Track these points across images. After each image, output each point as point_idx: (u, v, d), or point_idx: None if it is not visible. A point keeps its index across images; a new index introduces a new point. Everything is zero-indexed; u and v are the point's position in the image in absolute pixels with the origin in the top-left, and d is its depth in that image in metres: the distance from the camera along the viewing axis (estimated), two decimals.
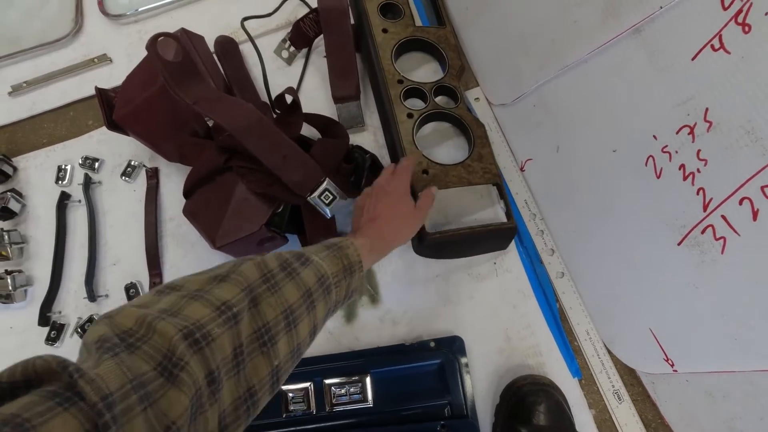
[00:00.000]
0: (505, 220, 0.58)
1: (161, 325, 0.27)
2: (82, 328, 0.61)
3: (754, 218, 0.35)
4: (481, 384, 0.55)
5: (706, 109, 0.37)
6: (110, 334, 0.26)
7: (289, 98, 0.60)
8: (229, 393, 0.29)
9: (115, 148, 0.69)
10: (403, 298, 0.59)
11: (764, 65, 0.32)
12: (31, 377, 0.22)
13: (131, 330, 0.27)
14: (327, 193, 0.53)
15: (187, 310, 0.29)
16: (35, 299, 0.63)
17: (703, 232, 0.39)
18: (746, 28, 0.32)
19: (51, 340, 0.61)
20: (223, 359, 0.28)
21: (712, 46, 0.35)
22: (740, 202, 0.35)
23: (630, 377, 0.54)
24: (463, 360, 0.54)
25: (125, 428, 0.22)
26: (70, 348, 0.61)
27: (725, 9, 0.33)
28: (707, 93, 0.36)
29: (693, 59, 0.37)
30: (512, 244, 0.60)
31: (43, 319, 0.62)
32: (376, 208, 0.49)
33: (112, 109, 0.61)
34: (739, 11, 0.32)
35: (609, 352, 0.55)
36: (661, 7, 0.38)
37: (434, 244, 0.56)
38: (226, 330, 0.29)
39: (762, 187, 0.33)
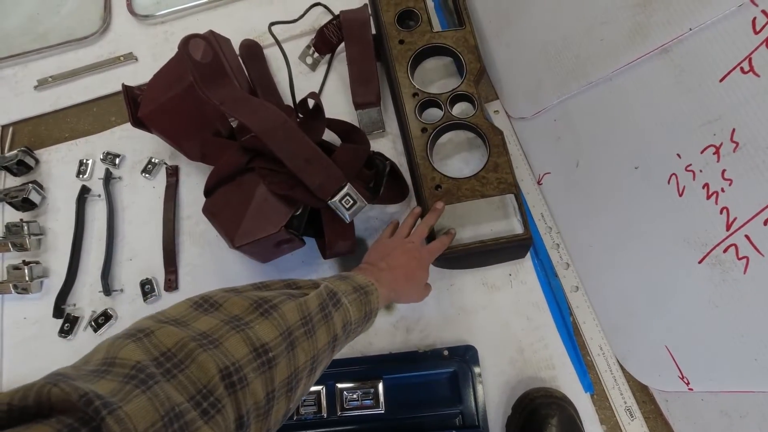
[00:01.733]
0: (520, 231, 0.58)
1: (202, 357, 0.26)
2: (96, 322, 0.61)
3: None
4: (492, 394, 0.55)
5: (733, 130, 0.37)
6: (146, 362, 0.25)
7: (311, 102, 0.61)
8: None
9: (136, 144, 0.70)
10: (417, 305, 0.59)
11: None
12: (43, 405, 0.21)
13: (170, 352, 0.26)
14: (348, 197, 0.54)
15: (227, 343, 0.28)
16: (51, 291, 0.64)
17: (725, 251, 0.40)
18: None
19: (64, 332, 0.61)
20: (254, 404, 0.28)
21: (742, 69, 0.35)
22: (765, 223, 0.36)
23: (642, 394, 0.54)
24: (476, 370, 0.54)
25: None
26: (83, 341, 0.62)
27: (756, 33, 0.34)
28: (734, 114, 0.37)
29: (721, 81, 0.37)
30: (527, 257, 0.60)
31: (58, 311, 0.62)
32: (402, 263, 0.49)
33: (137, 106, 0.62)
34: None
35: (622, 368, 0.55)
36: (690, 29, 0.38)
37: (447, 259, 0.57)
38: (259, 375, 0.29)
39: None
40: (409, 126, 0.61)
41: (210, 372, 0.26)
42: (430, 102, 0.63)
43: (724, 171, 0.39)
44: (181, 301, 0.31)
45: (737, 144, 0.37)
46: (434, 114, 0.64)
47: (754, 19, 0.34)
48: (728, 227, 0.39)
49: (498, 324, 0.58)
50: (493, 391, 0.55)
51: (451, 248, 0.56)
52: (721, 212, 0.39)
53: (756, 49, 0.34)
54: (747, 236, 0.37)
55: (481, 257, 0.59)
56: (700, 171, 0.41)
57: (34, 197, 0.67)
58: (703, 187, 0.40)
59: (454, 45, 0.66)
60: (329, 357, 0.37)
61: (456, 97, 0.64)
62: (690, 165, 0.41)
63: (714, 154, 0.39)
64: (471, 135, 0.65)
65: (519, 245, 0.57)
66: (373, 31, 0.71)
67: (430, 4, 0.72)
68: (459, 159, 0.65)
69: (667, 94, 0.42)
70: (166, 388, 0.24)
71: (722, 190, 0.39)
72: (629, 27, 0.44)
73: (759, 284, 0.37)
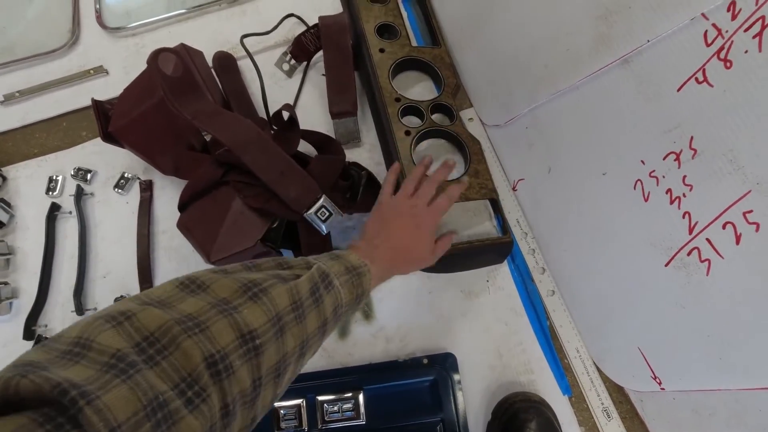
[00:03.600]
0: (499, 234, 0.59)
1: (187, 343, 0.25)
2: None
3: (737, 242, 0.36)
4: (473, 401, 0.55)
5: (691, 138, 0.38)
6: (127, 349, 0.24)
7: (286, 114, 0.61)
8: (239, 423, 0.28)
9: (108, 159, 0.69)
10: (396, 314, 0.59)
11: (744, 99, 0.34)
12: (11, 400, 0.20)
13: (152, 337, 0.25)
14: (323, 209, 0.54)
15: (214, 328, 0.27)
16: (21, 312, 0.62)
17: (689, 254, 0.41)
18: (728, 64, 0.34)
19: None
20: (240, 392, 0.27)
21: (696, 79, 0.37)
22: (723, 227, 0.37)
23: (619, 395, 0.55)
24: (456, 377, 0.54)
25: None
26: None
27: (708, 45, 0.35)
28: (692, 122, 0.38)
29: (678, 90, 0.38)
30: (504, 262, 0.61)
31: (29, 332, 0.60)
32: (401, 236, 0.47)
33: (108, 120, 0.61)
34: (721, 48, 0.34)
35: (598, 369, 0.56)
36: (648, 41, 0.40)
37: None
38: (245, 362, 0.28)
39: (744, 213, 0.35)
40: (393, 128, 0.62)
41: (195, 359, 0.25)
42: (411, 109, 0.64)
43: (684, 177, 0.40)
44: (168, 281, 0.30)
45: (695, 151, 0.38)
46: (413, 122, 0.65)
47: (706, 32, 0.35)
48: (690, 231, 0.40)
49: (477, 330, 0.58)
50: (473, 398, 0.55)
51: None
52: (683, 216, 0.41)
53: (708, 60, 0.35)
54: (708, 240, 0.39)
55: (465, 260, 0.60)
56: (663, 177, 0.42)
57: (2, 216, 0.65)
58: (666, 193, 0.42)
59: (432, 60, 0.68)
60: (319, 341, 0.35)
61: (434, 107, 0.65)
62: (654, 171, 0.43)
63: (675, 160, 0.40)
64: (447, 143, 0.66)
65: (501, 248, 0.59)
66: (351, 41, 0.71)
67: (407, 23, 0.73)
68: (437, 167, 0.65)
69: (630, 103, 0.43)
70: (149, 376, 0.23)
71: (684, 195, 0.40)
72: (593, 38, 0.46)
73: (721, 285, 0.39)
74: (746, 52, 0.33)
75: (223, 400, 0.26)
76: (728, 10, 0.33)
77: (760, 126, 0.33)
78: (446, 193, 0.52)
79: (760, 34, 0.32)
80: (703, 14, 0.35)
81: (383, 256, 0.44)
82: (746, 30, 0.32)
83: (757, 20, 0.32)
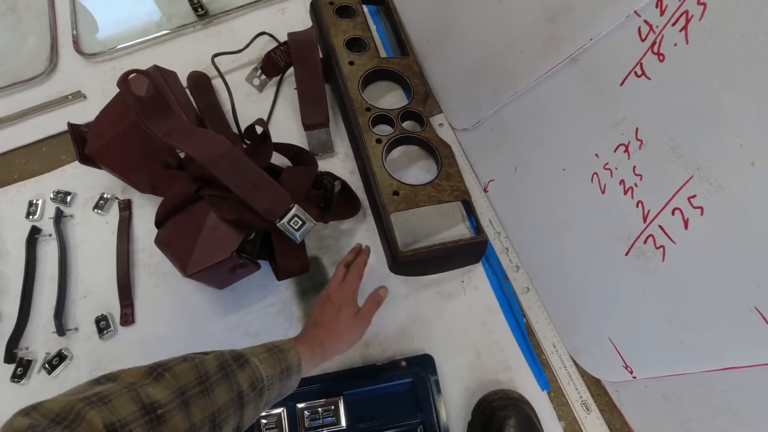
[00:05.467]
0: (473, 235, 0.60)
1: (90, 414, 0.27)
2: (50, 364, 0.60)
3: (686, 227, 0.37)
4: (453, 401, 0.55)
5: (637, 129, 0.40)
6: (41, 423, 0.26)
7: (259, 129, 0.62)
8: None
9: (88, 181, 0.70)
10: (374, 319, 0.59)
11: (679, 89, 0.35)
12: None
13: (58, 417, 0.27)
14: (296, 218, 0.55)
15: (117, 401, 0.30)
16: (2, 335, 0.62)
17: (645, 242, 0.42)
18: (661, 57, 0.36)
19: (17, 377, 0.60)
20: None
21: (636, 73, 0.38)
22: (672, 213, 0.38)
23: (597, 387, 0.56)
24: (434, 378, 0.55)
25: None
26: (36, 385, 0.60)
27: (643, 40, 0.37)
28: (636, 114, 0.40)
29: (621, 84, 0.40)
30: (479, 263, 0.62)
31: (10, 355, 0.61)
32: (320, 315, 0.51)
33: (84, 143, 0.62)
34: (654, 42, 0.36)
35: (575, 363, 0.57)
36: (591, 39, 0.41)
37: (408, 262, 0.58)
38: (148, 431, 0.30)
39: (688, 198, 0.36)
40: (364, 137, 0.63)
41: (96, 427, 0.27)
42: (381, 118, 0.66)
43: (635, 167, 0.41)
44: (83, 383, 0.33)
45: (642, 141, 0.40)
46: (385, 130, 0.66)
47: (639, 27, 0.37)
48: (645, 219, 0.41)
49: (454, 331, 0.59)
50: (453, 398, 0.56)
51: (414, 251, 0.57)
52: (637, 206, 0.42)
53: (644, 54, 0.37)
54: (660, 226, 0.40)
55: (441, 261, 0.60)
56: (616, 168, 0.43)
57: None
58: (620, 183, 0.43)
59: (401, 70, 0.70)
60: (237, 415, 0.37)
61: (404, 115, 0.67)
62: (607, 163, 0.44)
63: (624, 152, 0.42)
64: (419, 149, 0.67)
65: (475, 248, 0.60)
66: (321, 55, 0.73)
67: (376, 35, 0.75)
68: (412, 171, 0.67)
69: (580, 99, 0.45)
70: None
71: (635, 185, 0.42)
72: (543, 39, 0.47)
73: (676, 270, 0.40)
74: (675, 45, 0.34)
75: None
76: (656, 6, 0.35)
77: (693, 114, 0.35)
78: (354, 266, 0.55)
79: (685, 27, 0.33)
80: (635, 12, 0.37)
81: (308, 334, 0.48)
82: (674, 24, 0.34)
83: (682, 14, 0.33)
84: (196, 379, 0.35)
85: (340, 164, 0.69)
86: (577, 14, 0.42)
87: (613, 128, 0.42)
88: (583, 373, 0.56)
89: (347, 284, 0.53)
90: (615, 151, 0.43)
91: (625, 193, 0.43)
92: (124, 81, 0.54)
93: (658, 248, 0.41)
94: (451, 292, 0.61)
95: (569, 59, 0.45)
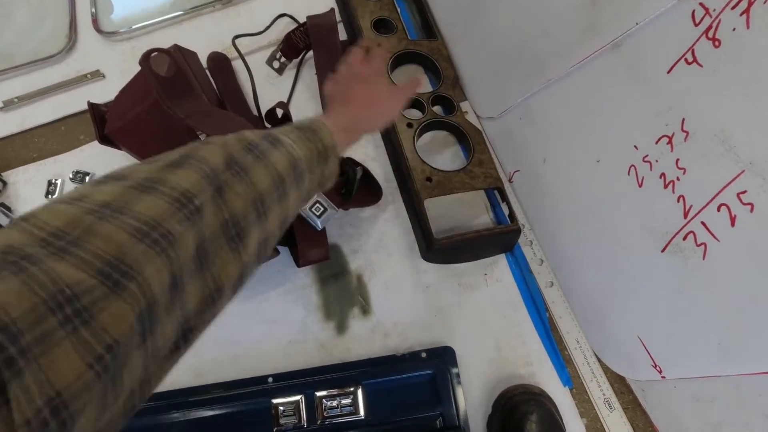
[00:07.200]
0: (495, 224, 0.59)
1: (105, 227, 0.21)
2: None
3: (732, 224, 0.36)
4: (472, 394, 0.55)
5: (683, 120, 0.38)
6: (24, 241, 0.20)
7: (279, 112, 0.61)
8: (195, 295, 0.25)
9: (106, 161, 0.69)
10: (394, 309, 0.59)
11: (734, 78, 0.33)
12: None
13: (60, 232, 0.21)
14: (318, 204, 0.54)
15: (138, 206, 0.23)
16: None
17: (684, 238, 0.40)
18: (716, 43, 0.34)
19: None
20: (186, 261, 0.24)
21: (686, 60, 0.36)
22: (718, 209, 0.37)
23: (620, 385, 0.55)
24: (455, 370, 0.54)
25: (43, 360, 0.17)
26: None
27: (696, 25, 0.35)
28: (683, 104, 0.38)
29: (669, 72, 0.38)
30: (502, 255, 0.61)
31: None
32: (346, 91, 0.44)
33: (104, 123, 0.61)
34: (709, 27, 0.34)
35: (599, 360, 0.56)
36: (637, 23, 0.39)
37: (442, 249, 0.57)
38: (189, 226, 0.24)
39: (738, 194, 0.35)
40: (395, 121, 0.62)
41: (116, 238, 0.21)
42: (411, 102, 0.64)
43: (678, 160, 0.39)
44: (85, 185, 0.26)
45: (688, 133, 0.38)
46: (414, 114, 0.65)
47: (693, 11, 0.35)
48: (686, 215, 0.40)
49: (475, 323, 0.58)
50: (473, 391, 0.55)
51: (449, 238, 0.56)
52: (678, 200, 0.40)
53: (697, 40, 0.35)
54: (703, 223, 0.38)
55: (473, 249, 0.60)
56: (656, 161, 0.41)
57: (2, 220, 0.65)
58: (660, 177, 0.41)
59: (429, 53, 0.68)
60: (282, 205, 0.31)
61: (435, 99, 0.65)
62: (647, 156, 0.42)
63: (668, 144, 0.40)
64: (447, 136, 0.66)
65: (509, 236, 0.59)
66: (344, 37, 0.71)
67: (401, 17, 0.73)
68: (442, 157, 0.65)
69: (621, 87, 0.43)
70: (55, 268, 0.19)
71: (677, 179, 0.40)
72: (582, 25, 0.45)
73: (717, 269, 0.38)
74: (734, 29, 0.32)
75: (169, 273, 0.23)
76: None
77: (749, 104, 0.33)
78: (379, 48, 0.50)
79: (747, 10, 0.31)
80: None
81: (339, 111, 0.42)
82: (733, 7, 0.32)
83: None
84: (224, 161, 0.29)
85: (361, 150, 0.68)
86: None
87: (656, 118, 0.40)
88: (607, 371, 0.55)
89: (375, 58, 0.48)
90: (657, 142, 0.41)
91: (666, 187, 0.41)
92: (145, 59, 0.52)
93: (699, 245, 0.39)
94: (473, 284, 0.59)
95: (610, 45, 0.43)
